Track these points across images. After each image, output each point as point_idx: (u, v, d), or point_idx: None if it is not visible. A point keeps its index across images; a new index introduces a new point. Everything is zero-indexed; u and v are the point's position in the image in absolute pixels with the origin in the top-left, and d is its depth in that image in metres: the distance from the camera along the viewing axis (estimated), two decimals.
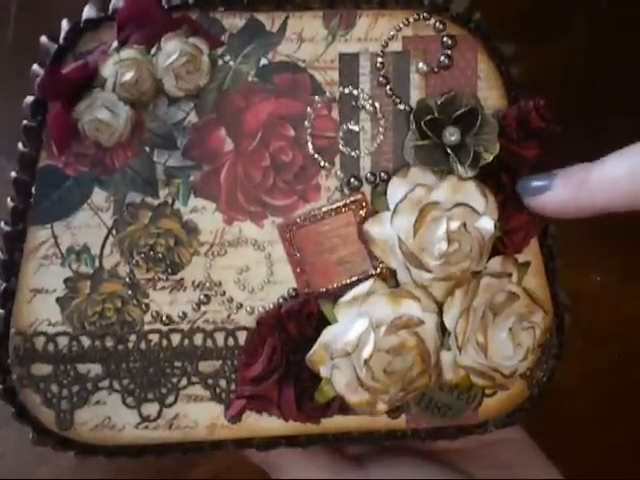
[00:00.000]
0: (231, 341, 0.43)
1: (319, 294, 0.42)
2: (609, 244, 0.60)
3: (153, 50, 0.39)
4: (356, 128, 0.42)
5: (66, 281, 0.42)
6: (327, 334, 0.41)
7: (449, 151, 0.41)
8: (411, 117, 0.42)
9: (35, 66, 0.41)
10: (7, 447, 0.55)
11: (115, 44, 0.39)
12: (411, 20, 0.42)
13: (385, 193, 0.42)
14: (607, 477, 0.57)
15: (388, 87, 0.42)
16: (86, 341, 0.42)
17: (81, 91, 0.39)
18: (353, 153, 0.42)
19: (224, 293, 0.43)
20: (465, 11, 0.42)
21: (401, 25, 0.42)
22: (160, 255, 0.42)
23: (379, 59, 0.42)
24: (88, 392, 0.43)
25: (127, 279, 0.42)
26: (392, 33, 0.42)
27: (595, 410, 0.60)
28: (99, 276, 0.42)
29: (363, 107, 0.42)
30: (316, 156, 0.42)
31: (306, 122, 0.42)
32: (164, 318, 0.42)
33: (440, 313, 0.41)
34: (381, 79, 0.42)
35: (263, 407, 0.43)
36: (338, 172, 0.42)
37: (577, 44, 0.60)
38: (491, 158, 0.41)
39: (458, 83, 0.42)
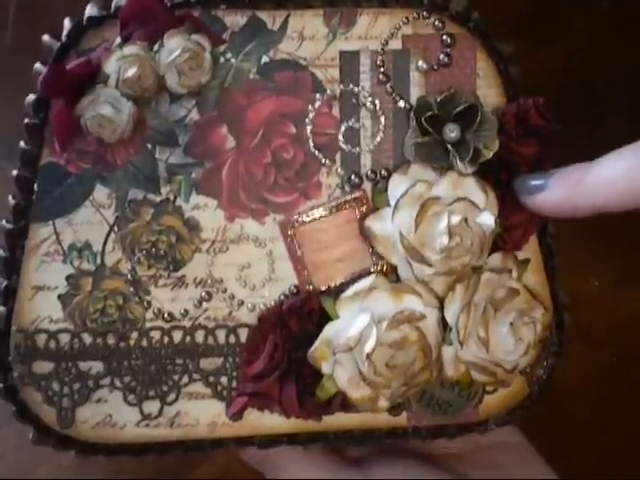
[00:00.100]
0: (232, 338, 0.43)
1: (320, 291, 0.43)
2: (607, 247, 0.60)
3: (156, 47, 0.40)
4: (357, 125, 0.42)
5: (68, 278, 0.42)
6: (329, 330, 0.41)
7: (449, 147, 0.41)
8: (411, 114, 0.42)
9: (37, 64, 0.41)
10: (7, 447, 0.55)
11: (118, 41, 0.40)
12: (411, 19, 0.42)
13: (386, 190, 0.42)
14: (605, 479, 0.57)
15: (388, 85, 0.42)
16: (88, 338, 0.42)
17: (84, 88, 0.39)
18: (354, 150, 0.43)
19: (225, 290, 0.43)
20: (464, 10, 0.43)
21: (401, 23, 0.42)
22: (162, 252, 0.42)
23: (379, 57, 0.42)
24: (89, 390, 0.42)
25: (129, 276, 0.42)
26: (392, 31, 0.42)
27: (594, 412, 0.60)
28: (101, 273, 0.42)
29: (363, 105, 0.42)
30: (317, 153, 0.42)
31: (307, 119, 0.42)
32: (166, 315, 0.42)
33: (441, 308, 0.41)
34: (381, 77, 0.42)
35: (265, 404, 0.43)
36: (339, 169, 0.43)
37: (576, 45, 0.60)
38: (491, 155, 0.42)
39: (457, 81, 0.43)
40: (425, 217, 0.40)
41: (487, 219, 0.41)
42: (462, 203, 0.40)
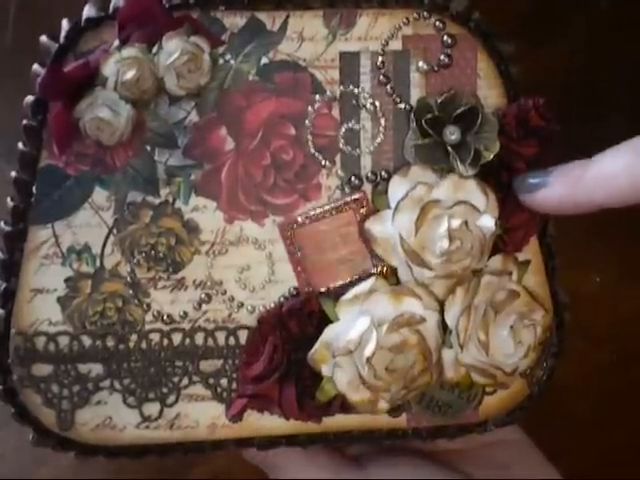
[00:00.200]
0: (232, 340, 0.43)
1: (320, 293, 0.42)
2: (608, 244, 0.60)
3: (154, 49, 0.39)
4: (357, 127, 0.42)
5: (67, 281, 0.42)
6: (329, 332, 0.41)
7: (450, 149, 0.41)
8: (411, 116, 0.42)
9: (36, 66, 0.41)
10: (7, 448, 0.55)
11: (116, 43, 0.39)
12: (411, 19, 0.42)
13: (386, 192, 0.42)
14: (606, 477, 0.57)
15: (388, 86, 0.42)
16: (87, 341, 0.42)
17: (82, 90, 0.39)
18: (354, 152, 0.42)
19: (225, 292, 0.43)
20: (465, 10, 0.42)
21: (401, 24, 0.42)
22: (161, 254, 0.42)
23: (379, 58, 0.42)
24: (89, 392, 0.42)
25: (128, 278, 0.42)
26: (392, 32, 0.42)
27: (594, 410, 0.60)
28: (100, 275, 0.42)
29: (364, 106, 0.42)
30: (317, 155, 0.42)
31: (307, 121, 0.42)
32: (165, 317, 0.42)
33: (441, 311, 0.41)
34: (381, 78, 0.42)
35: (264, 406, 0.43)
36: (339, 171, 0.42)
37: (577, 44, 0.60)
38: (491, 156, 0.41)
39: (458, 82, 0.42)
40: (425, 220, 0.40)
41: (487, 222, 0.41)
42: (462, 206, 0.40)
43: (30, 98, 0.40)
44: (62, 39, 0.40)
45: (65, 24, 0.41)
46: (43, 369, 0.42)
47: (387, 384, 0.40)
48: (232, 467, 0.56)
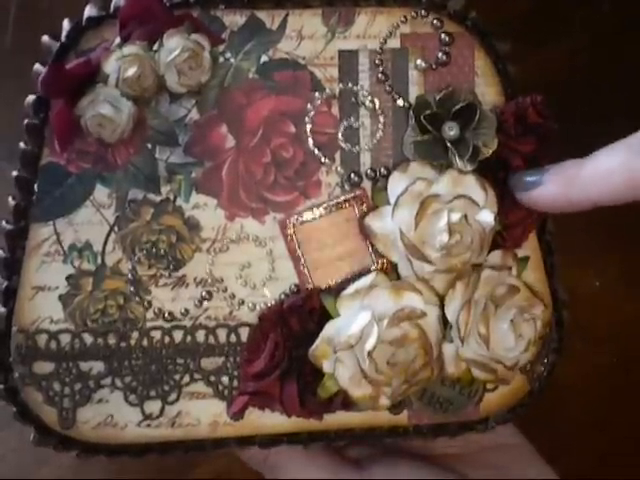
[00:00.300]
0: (233, 337, 0.43)
1: (321, 289, 0.43)
2: (608, 245, 0.60)
3: (155, 46, 0.40)
4: (356, 124, 0.43)
5: (68, 278, 0.42)
6: (330, 328, 0.41)
7: (449, 145, 0.41)
8: (410, 113, 0.42)
9: (37, 65, 0.41)
10: (8, 448, 0.54)
11: (117, 40, 0.40)
12: (409, 17, 0.43)
13: (385, 188, 0.42)
14: (605, 478, 0.57)
15: (387, 83, 0.43)
16: (88, 338, 0.42)
17: (84, 87, 0.40)
18: (353, 149, 0.43)
19: (226, 289, 0.43)
20: (462, 9, 0.43)
21: (399, 22, 0.43)
22: (162, 252, 0.42)
23: (378, 56, 0.42)
24: (90, 390, 0.42)
25: (129, 276, 0.42)
26: (390, 30, 0.42)
27: (593, 411, 0.60)
28: (101, 273, 0.42)
29: (363, 103, 0.43)
30: (316, 152, 0.42)
31: (306, 118, 0.42)
32: (166, 315, 0.42)
33: (441, 306, 0.42)
34: (380, 76, 0.43)
35: (266, 403, 0.43)
36: (338, 168, 0.43)
37: (579, 44, 0.61)
38: (490, 153, 0.42)
39: (456, 80, 0.43)
40: (425, 215, 0.40)
41: (487, 216, 0.41)
42: (462, 200, 0.40)
43: (32, 96, 0.41)
44: (63, 38, 0.40)
45: (66, 23, 0.41)
46: (44, 367, 0.42)
47: (388, 378, 0.40)
48: (233, 467, 0.56)
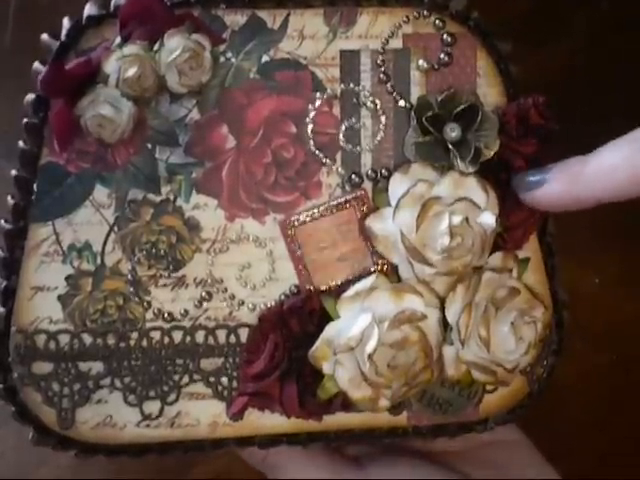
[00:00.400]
0: (233, 338, 0.43)
1: (321, 290, 0.42)
2: (607, 244, 0.60)
3: (156, 46, 0.39)
4: (357, 125, 0.42)
5: (67, 278, 0.42)
6: (330, 330, 0.41)
7: (450, 147, 0.41)
8: (412, 114, 0.42)
9: (36, 64, 0.41)
10: (6, 448, 0.54)
11: (118, 40, 0.39)
12: (411, 18, 0.42)
13: (386, 189, 0.42)
14: (605, 478, 0.57)
15: (389, 84, 0.42)
16: (87, 339, 0.42)
17: (84, 87, 0.39)
18: (354, 150, 0.42)
19: (226, 290, 0.42)
20: (464, 9, 0.42)
21: (401, 23, 0.42)
22: (162, 252, 0.42)
23: (380, 56, 0.42)
24: (89, 390, 0.42)
25: (129, 276, 0.42)
26: (392, 30, 0.42)
27: (593, 410, 0.60)
28: (101, 273, 0.42)
29: (364, 104, 0.42)
30: (317, 153, 0.42)
31: (307, 119, 0.42)
32: (166, 315, 0.42)
33: (442, 308, 0.41)
34: (382, 76, 0.42)
35: (265, 404, 0.43)
36: (339, 169, 0.42)
37: (578, 44, 0.60)
38: (491, 154, 0.42)
39: (458, 80, 0.43)
40: (426, 217, 0.40)
41: (488, 219, 0.41)
42: (463, 203, 0.40)
43: (31, 96, 0.40)
44: (63, 37, 0.40)
45: (66, 22, 0.41)
46: (43, 367, 0.42)
47: (388, 381, 0.40)
48: (232, 467, 0.56)
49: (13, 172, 0.41)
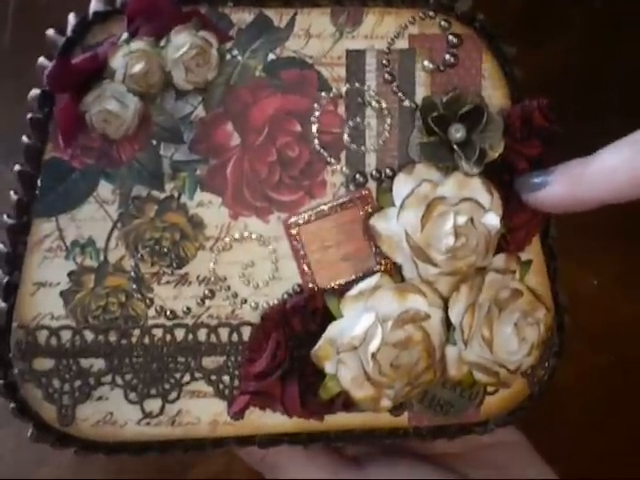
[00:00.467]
0: (235, 337, 0.43)
1: (324, 290, 0.42)
2: (606, 246, 0.60)
3: (163, 42, 0.39)
4: (362, 125, 0.42)
5: (70, 274, 0.42)
6: (333, 329, 0.41)
7: (455, 148, 0.41)
8: (417, 114, 0.42)
9: (42, 59, 0.41)
10: (6, 448, 0.54)
11: (125, 36, 0.39)
12: (417, 18, 0.42)
13: (390, 189, 0.42)
14: (604, 478, 0.57)
15: (394, 84, 0.42)
16: (89, 335, 0.42)
17: (90, 83, 0.39)
18: (359, 149, 0.42)
19: (229, 288, 0.42)
20: (470, 10, 0.43)
21: (407, 23, 0.42)
22: (165, 249, 0.42)
23: (385, 56, 0.42)
24: (90, 387, 0.42)
25: (132, 273, 0.42)
26: (398, 31, 0.42)
27: (592, 411, 0.60)
28: (104, 270, 0.42)
29: (369, 104, 0.42)
30: (322, 152, 0.42)
31: (312, 118, 0.42)
32: (168, 313, 0.42)
33: (445, 309, 0.41)
34: (387, 76, 0.42)
35: (267, 403, 0.43)
36: (344, 168, 0.42)
37: (572, 43, 0.61)
38: (496, 155, 0.42)
39: (463, 82, 0.43)
40: (431, 217, 0.40)
41: (492, 219, 0.41)
42: (468, 203, 0.40)
43: (36, 91, 0.40)
44: (70, 32, 0.40)
45: (72, 18, 0.41)
46: (44, 363, 0.42)
47: (391, 380, 0.40)
48: (232, 467, 0.55)
49: (17, 167, 0.41)
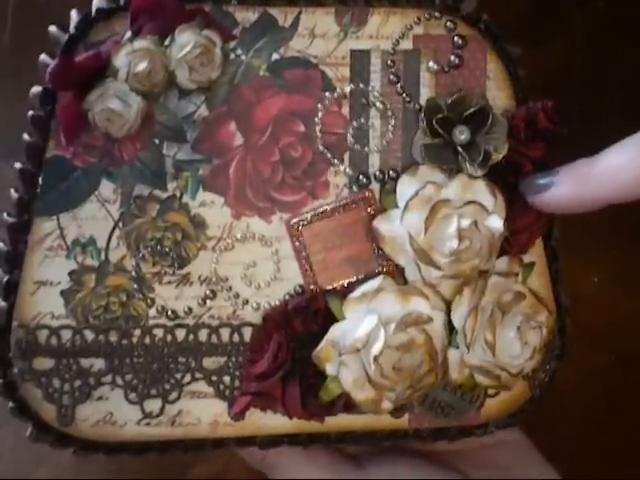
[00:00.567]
0: (236, 337, 0.42)
1: (326, 291, 0.42)
2: (606, 245, 0.60)
3: (166, 41, 0.39)
4: (366, 125, 0.42)
5: (71, 274, 0.41)
6: (335, 331, 0.41)
7: (459, 149, 0.41)
8: (421, 115, 0.42)
9: (44, 56, 0.40)
10: (5, 447, 0.54)
11: (128, 34, 0.39)
12: (422, 19, 0.42)
13: (394, 191, 0.42)
14: (604, 478, 0.57)
15: (398, 85, 0.42)
16: (90, 335, 0.42)
17: (93, 81, 0.39)
18: (362, 150, 0.42)
19: (230, 289, 0.42)
20: (475, 11, 0.42)
21: (412, 24, 0.42)
22: (167, 249, 0.42)
23: (390, 57, 0.42)
24: (90, 387, 0.42)
25: (133, 273, 0.42)
26: (403, 31, 0.42)
27: (592, 411, 0.60)
28: (105, 269, 0.41)
29: (373, 104, 0.42)
30: (325, 152, 0.42)
31: (316, 118, 0.42)
32: (169, 313, 0.42)
33: (448, 312, 0.41)
34: (392, 77, 0.42)
35: (267, 404, 0.42)
36: (347, 169, 0.42)
37: (574, 44, 0.60)
38: (500, 157, 0.41)
39: (467, 83, 0.42)
40: (435, 220, 0.40)
41: (496, 222, 0.41)
42: (472, 206, 0.40)
43: (38, 88, 0.40)
44: (72, 29, 0.40)
45: (74, 15, 0.40)
46: (44, 363, 0.42)
47: (393, 383, 0.40)
48: (232, 467, 0.55)
49: (18, 165, 0.40)
